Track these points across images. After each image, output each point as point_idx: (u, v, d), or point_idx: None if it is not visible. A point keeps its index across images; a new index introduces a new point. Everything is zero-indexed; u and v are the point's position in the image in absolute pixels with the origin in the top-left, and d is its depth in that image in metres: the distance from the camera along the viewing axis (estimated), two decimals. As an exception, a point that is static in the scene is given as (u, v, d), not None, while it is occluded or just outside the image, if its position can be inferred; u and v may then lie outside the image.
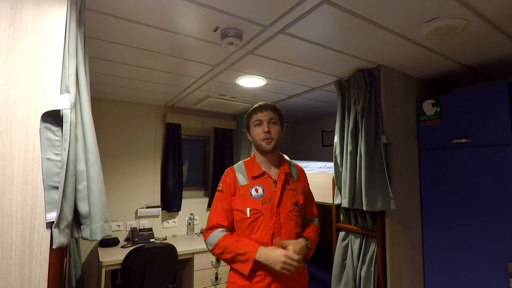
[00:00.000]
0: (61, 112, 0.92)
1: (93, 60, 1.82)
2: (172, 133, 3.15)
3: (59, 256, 0.91)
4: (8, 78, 0.86)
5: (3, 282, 0.81)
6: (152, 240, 2.77)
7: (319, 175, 2.31)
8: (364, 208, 1.73)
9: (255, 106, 1.41)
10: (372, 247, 1.83)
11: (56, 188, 0.89)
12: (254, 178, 1.36)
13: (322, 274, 2.62)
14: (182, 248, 2.61)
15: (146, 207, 3.00)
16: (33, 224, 0.87)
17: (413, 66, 1.88)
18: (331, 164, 2.11)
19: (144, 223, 2.99)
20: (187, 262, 2.78)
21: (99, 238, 1.00)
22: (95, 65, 1.93)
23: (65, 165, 0.89)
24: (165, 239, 2.98)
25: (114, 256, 2.37)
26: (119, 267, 2.27)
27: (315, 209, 1.53)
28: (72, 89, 0.94)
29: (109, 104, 2.91)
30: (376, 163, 1.76)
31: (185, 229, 3.24)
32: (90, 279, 2.70)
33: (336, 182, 1.99)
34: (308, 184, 1.54)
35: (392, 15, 1.28)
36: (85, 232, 0.99)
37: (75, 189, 0.96)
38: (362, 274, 1.83)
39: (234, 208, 1.34)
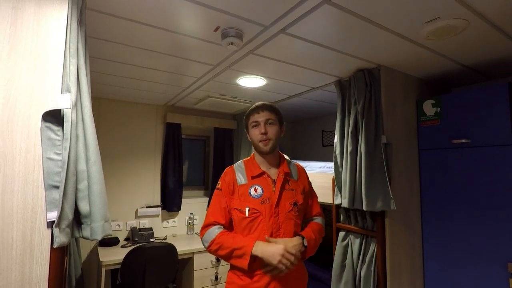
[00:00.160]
0: (62, 111, 0.92)
1: (93, 60, 1.82)
2: (172, 133, 3.15)
3: (59, 256, 0.91)
4: (9, 78, 0.86)
5: (4, 282, 0.82)
6: (152, 239, 2.78)
7: (319, 175, 2.31)
8: (364, 208, 1.74)
9: (252, 107, 1.41)
10: (372, 247, 1.83)
11: (57, 187, 0.89)
12: (253, 177, 1.36)
13: (322, 274, 2.62)
14: (182, 247, 2.61)
15: (146, 207, 3.01)
16: (33, 223, 0.87)
17: (413, 66, 1.88)
18: (331, 164, 2.11)
19: (144, 223, 2.99)
20: (187, 261, 2.79)
21: (99, 237, 1.00)
22: (96, 65, 1.94)
23: (66, 164, 0.89)
24: (165, 238, 2.98)
25: (114, 256, 2.38)
26: (119, 266, 2.27)
27: (318, 208, 1.51)
28: (73, 88, 0.94)
29: (110, 103, 2.91)
30: (376, 163, 1.76)
31: (185, 229, 3.25)
32: (90, 279, 2.71)
33: (336, 182, 1.99)
34: (310, 183, 1.52)
35: (392, 16, 1.28)
36: (86, 232, 0.99)
37: (76, 189, 0.96)
38: (362, 274, 1.83)
39: (232, 207, 1.34)
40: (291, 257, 1.19)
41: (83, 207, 0.98)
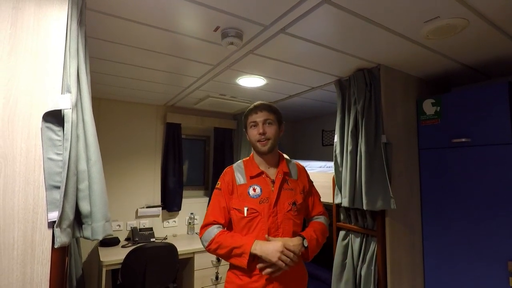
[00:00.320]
0: (62, 112, 0.92)
1: (93, 60, 1.82)
2: (172, 133, 3.15)
3: (60, 256, 0.91)
4: (9, 78, 0.86)
5: (5, 282, 0.82)
6: (152, 239, 2.78)
7: (319, 175, 2.31)
8: (364, 207, 1.74)
9: (250, 107, 1.40)
10: (372, 246, 1.84)
11: (58, 187, 0.89)
12: (252, 177, 1.36)
13: (322, 273, 2.62)
14: (182, 247, 2.62)
15: (147, 207, 3.01)
16: (35, 223, 0.87)
17: (413, 65, 1.88)
18: (331, 164, 2.11)
19: (145, 223, 2.99)
20: (188, 261, 2.79)
21: (100, 237, 1.00)
22: (96, 65, 1.94)
23: (67, 164, 0.89)
24: (166, 238, 2.99)
25: (114, 256, 2.38)
26: (119, 266, 2.27)
27: (320, 207, 1.49)
28: (73, 89, 0.94)
29: (110, 104, 2.91)
30: (376, 162, 1.77)
31: (186, 229, 3.25)
32: (90, 279, 2.71)
33: (336, 182, 1.99)
34: (311, 182, 1.52)
35: (392, 15, 1.28)
36: (87, 232, 0.99)
37: (77, 189, 0.96)
38: (363, 273, 1.83)
39: (231, 207, 1.34)
40: (290, 254, 1.19)
41: (84, 207, 0.98)
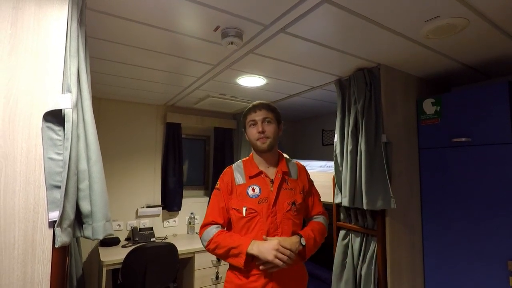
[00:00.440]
0: (62, 111, 0.92)
1: (93, 60, 1.82)
2: (172, 133, 3.15)
3: (61, 255, 0.91)
4: (10, 78, 0.87)
5: (6, 281, 0.82)
6: (152, 239, 2.78)
7: (319, 174, 2.31)
8: (365, 207, 1.74)
9: (249, 106, 1.41)
10: (373, 246, 1.84)
11: (58, 187, 0.89)
12: (251, 177, 1.36)
13: (322, 273, 2.63)
14: (182, 247, 2.62)
15: (147, 207, 3.01)
16: (35, 223, 0.87)
17: (413, 65, 1.88)
18: (331, 163, 2.12)
19: (145, 223, 3.00)
20: (188, 261, 2.79)
21: (101, 237, 1.00)
22: (96, 65, 1.94)
23: (67, 164, 0.89)
24: (166, 238, 2.99)
25: (115, 256, 2.38)
26: (120, 266, 2.27)
27: (320, 207, 1.49)
28: (74, 88, 0.94)
29: (110, 103, 2.91)
30: (376, 162, 1.77)
31: (186, 228, 3.25)
32: (91, 279, 2.71)
33: (337, 181, 1.99)
34: (311, 182, 1.51)
35: (392, 15, 1.29)
36: (87, 231, 0.99)
37: (77, 188, 0.96)
38: (363, 272, 1.84)
39: (231, 207, 1.34)
40: (286, 251, 1.19)
41: (85, 206, 0.98)
